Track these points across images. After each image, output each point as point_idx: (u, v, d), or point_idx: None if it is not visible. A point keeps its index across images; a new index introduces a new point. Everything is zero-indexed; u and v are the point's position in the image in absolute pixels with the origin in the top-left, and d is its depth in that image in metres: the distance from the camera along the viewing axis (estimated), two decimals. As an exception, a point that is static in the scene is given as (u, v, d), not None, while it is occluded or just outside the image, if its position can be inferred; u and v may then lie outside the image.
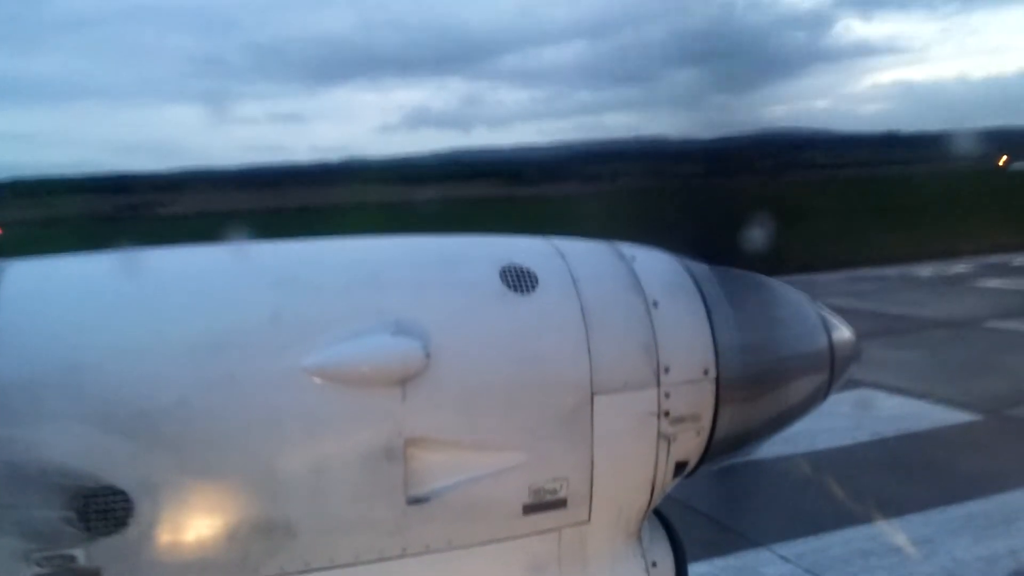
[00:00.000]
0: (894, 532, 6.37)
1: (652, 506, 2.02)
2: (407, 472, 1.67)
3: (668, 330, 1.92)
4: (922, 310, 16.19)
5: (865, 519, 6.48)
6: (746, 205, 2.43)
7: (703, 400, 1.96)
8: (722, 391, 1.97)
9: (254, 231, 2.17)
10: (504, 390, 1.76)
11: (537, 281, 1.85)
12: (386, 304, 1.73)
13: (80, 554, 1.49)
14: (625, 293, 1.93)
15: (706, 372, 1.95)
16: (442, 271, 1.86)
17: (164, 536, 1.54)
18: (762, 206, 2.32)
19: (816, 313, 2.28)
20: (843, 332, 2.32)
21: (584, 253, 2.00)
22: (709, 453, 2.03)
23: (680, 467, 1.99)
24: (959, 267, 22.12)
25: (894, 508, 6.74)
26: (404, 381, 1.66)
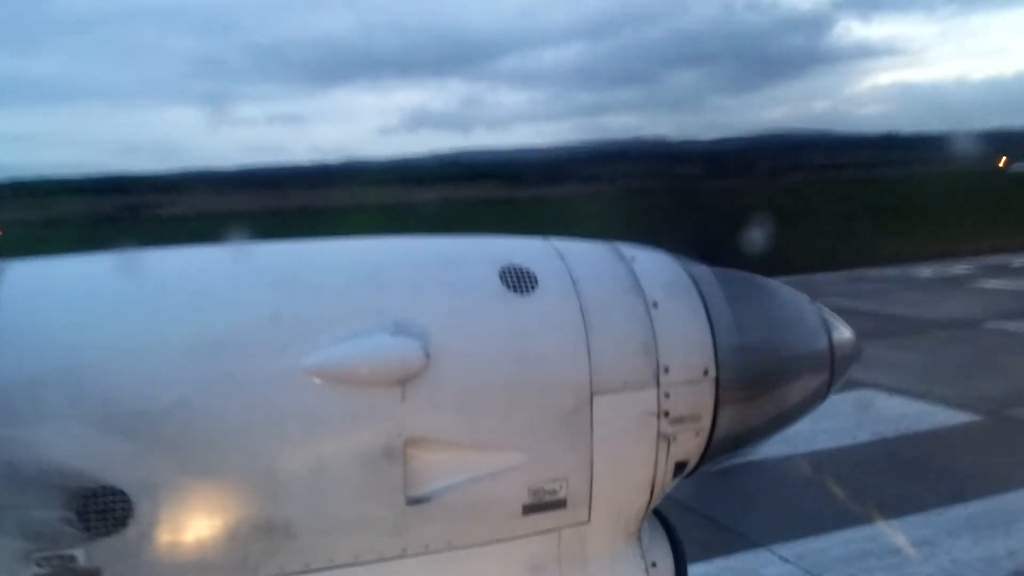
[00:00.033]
0: (894, 533, 6.37)
1: (652, 506, 2.02)
2: (407, 472, 1.67)
3: (668, 330, 1.92)
4: (922, 311, 16.20)
5: (865, 520, 6.48)
6: (746, 206, 2.43)
7: (703, 400, 1.96)
8: (722, 391, 1.97)
9: (254, 232, 2.17)
10: (504, 390, 1.76)
11: (537, 282, 1.85)
12: (386, 304, 1.73)
13: (80, 554, 1.49)
14: (625, 294, 1.93)
15: (706, 372, 1.95)
16: (442, 272, 1.86)
17: (164, 536, 1.54)
18: (762, 207, 2.33)
19: (816, 313, 2.28)
20: (843, 332, 2.32)
21: (583, 254, 2.00)
22: (709, 453, 2.03)
23: (680, 467, 1.99)
24: (959, 268, 22.13)
25: (894, 509, 6.74)
26: (404, 381, 1.66)
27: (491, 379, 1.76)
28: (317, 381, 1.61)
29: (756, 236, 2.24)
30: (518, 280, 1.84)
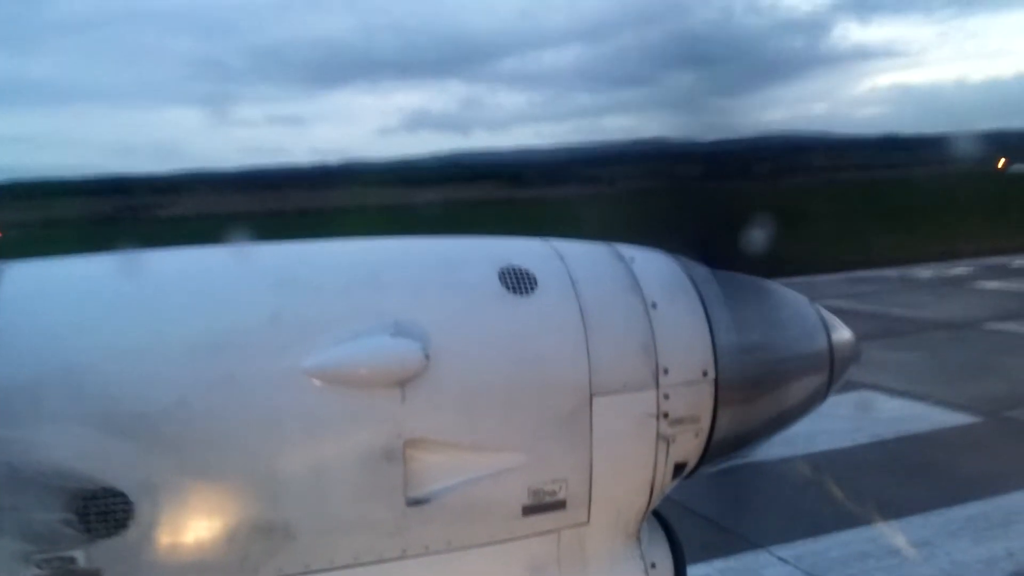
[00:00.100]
0: (893, 534, 6.36)
1: (651, 507, 2.02)
2: (406, 473, 1.67)
3: (667, 331, 1.92)
4: (922, 312, 16.19)
5: (864, 521, 6.48)
6: (745, 207, 2.43)
7: (702, 401, 1.96)
8: (721, 392, 1.97)
9: (254, 233, 2.18)
10: (503, 391, 1.77)
11: (536, 283, 1.85)
12: (385, 305, 1.73)
13: (80, 556, 1.49)
14: (624, 295, 1.93)
15: (705, 373, 1.96)
16: (441, 273, 1.86)
17: (164, 538, 1.54)
18: (761, 208, 2.33)
19: (815, 314, 2.28)
20: (842, 333, 2.32)
21: (583, 255, 2.00)
22: (708, 454, 2.03)
23: (679, 468, 1.99)
24: (958, 269, 22.13)
25: (893, 510, 6.73)
26: (403, 382, 1.66)
27: (491, 380, 1.76)
28: (317, 382, 1.61)
29: (755, 237, 2.24)
30: (517, 281, 1.84)
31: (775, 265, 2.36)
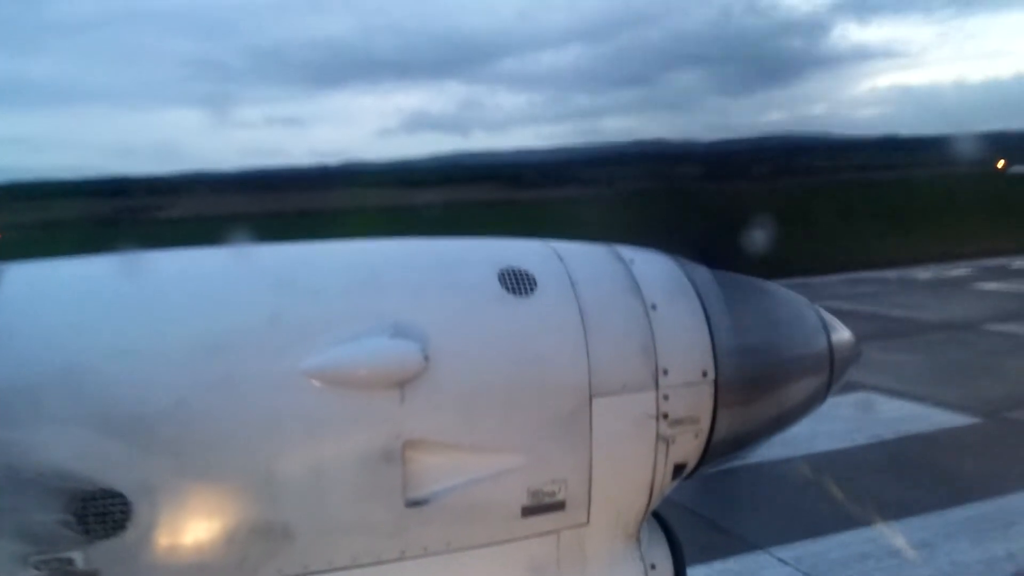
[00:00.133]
0: (893, 535, 6.36)
1: (651, 508, 2.02)
2: (405, 474, 1.67)
3: (666, 332, 1.92)
4: (921, 313, 16.20)
5: (864, 522, 6.48)
6: (745, 208, 2.43)
7: (702, 402, 1.96)
8: (721, 393, 1.97)
9: (253, 234, 2.17)
10: (503, 392, 1.76)
11: (535, 284, 1.85)
12: (385, 307, 1.73)
13: (78, 557, 1.49)
14: (623, 296, 1.93)
15: (705, 374, 1.95)
16: (440, 274, 1.86)
17: (162, 539, 1.54)
18: (761, 209, 2.33)
19: (815, 315, 2.28)
20: (842, 334, 2.32)
21: (582, 256, 2.00)
22: (708, 455, 2.03)
23: (679, 469, 1.99)
24: (958, 270, 22.13)
25: (893, 511, 6.73)
26: (403, 383, 1.66)
27: (490, 381, 1.76)
28: (316, 383, 1.61)
29: (754, 238, 2.24)
30: (517, 282, 1.84)
31: (774, 266, 2.36)
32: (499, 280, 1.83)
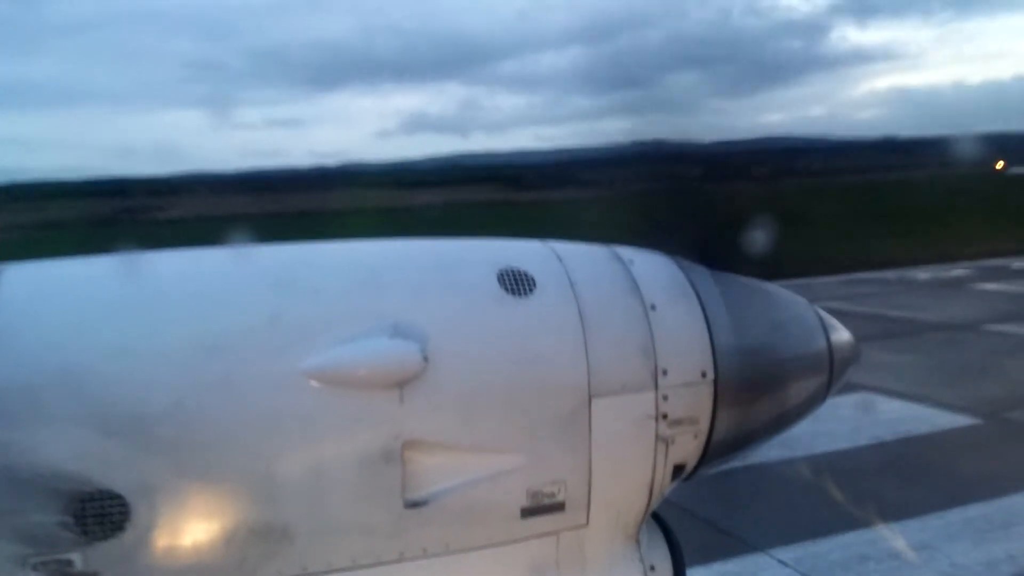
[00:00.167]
0: (893, 536, 6.36)
1: (650, 509, 2.02)
2: (405, 475, 1.67)
3: (666, 333, 1.92)
4: (920, 313, 16.20)
5: (864, 523, 6.47)
6: (744, 209, 2.43)
7: (701, 403, 1.95)
8: (720, 394, 1.97)
9: (252, 235, 2.17)
10: (502, 393, 1.76)
11: (535, 284, 1.85)
12: (384, 307, 1.73)
13: (77, 558, 1.48)
14: (623, 296, 1.93)
15: (704, 375, 1.95)
16: (440, 274, 1.86)
17: (161, 540, 1.54)
18: (760, 210, 2.33)
19: (814, 316, 2.28)
20: (841, 334, 2.32)
21: (582, 256, 2.00)
22: (707, 456, 2.03)
23: (678, 470, 1.99)
24: (957, 271, 22.14)
25: (893, 512, 6.73)
26: (402, 384, 1.66)
27: (489, 382, 1.76)
28: (315, 384, 1.61)
29: (754, 239, 2.24)
30: (516, 283, 1.84)
31: (774, 267, 2.36)
32: (498, 280, 1.83)
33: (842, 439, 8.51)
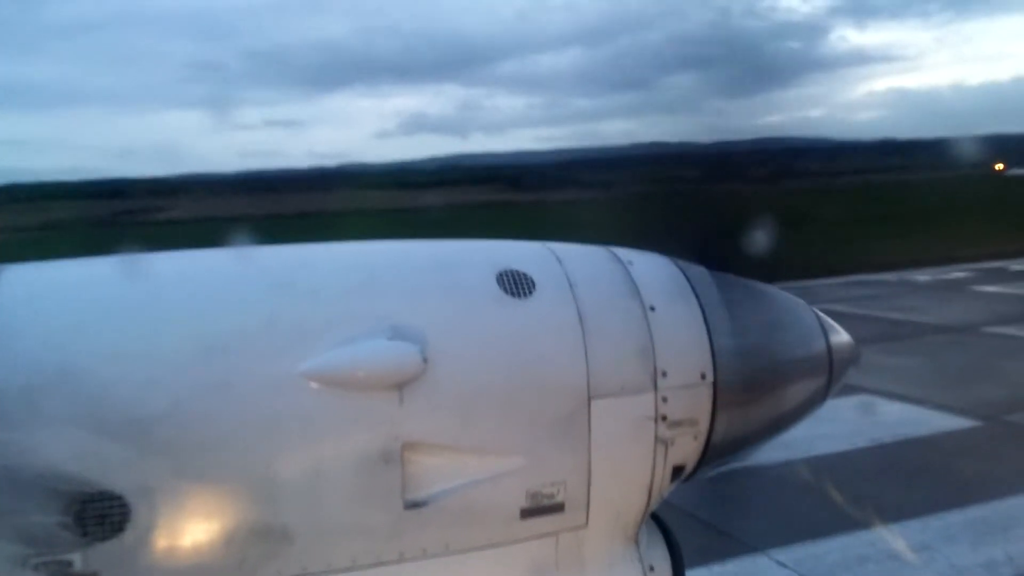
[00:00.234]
0: (892, 538, 6.36)
1: (649, 510, 2.02)
2: (404, 476, 1.67)
3: (665, 334, 1.92)
4: (920, 316, 16.20)
5: (863, 525, 6.47)
6: (743, 211, 2.43)
7: (700, 404, 1.95)
8: (719, 395, 1.97)
9: (251, 236, 2.17)
10: (501, 394, 1.76)
11: (534, 285, 1.85)
12: (383, 308, 1.73)
13: (77, 559, 1.48)
14: (622, 297, 1.93)
15: (703, 376, 1.95)
16: (439, 276, 1.86)
17: (161, 541, 1.54)
18: (759, 212, 2.33)
19: (813, 317, 2.28)
20: (840, 336, 2.32)
21: (581, 257, 2.00)
22: (707, 457, 2.03)
23: (677, 471, 1.98)
24: (956, 273, 22.14)
25: (892, 514, 6.73)
26: (401, 385, 1.65)
27: (489, 383, 1.76)
28: (314, 385, 1.61)
29: (753, 241, 2.24)
30: (515, 284, 1.84)
31: (773, 269, 2.36)
32: (497, 282, 1.83)
33: (841, 441, 8.50)
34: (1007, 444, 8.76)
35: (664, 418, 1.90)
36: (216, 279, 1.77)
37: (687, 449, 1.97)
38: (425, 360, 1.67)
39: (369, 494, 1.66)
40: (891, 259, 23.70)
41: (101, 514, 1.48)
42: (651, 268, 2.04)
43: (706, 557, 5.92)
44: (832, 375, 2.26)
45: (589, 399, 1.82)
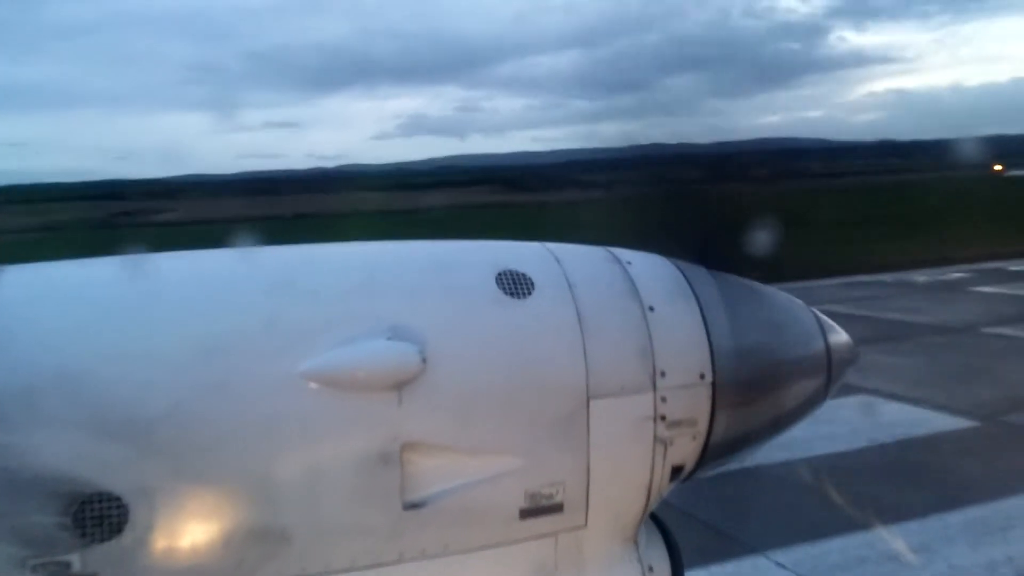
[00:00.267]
0: (891, 538, 6.36)
1: (648, 511, 2.02)
2: (403, 477, 1.67)
3: (664, 334, 1.92)
4: (918, 316, 16.22)
5: (862, 526, 6.48)
6: (742, 212, 2.43)
7: (699, 404, 1.95)
8: (718, 395, 1.97)
9: (250, 237, 2.17)
10: (500, 395, 1.76)
11: (533, 286, 1.85)
12: (382, 309, 1.73)
13: (75, 560, 1.48)
14: (621, 297, 1.93)
15: (702, 376, 1.95)
16: (438, 276, 1.86)
17: (160, 542, 1.54)
18: (758, 213, 2.33)
19: (812, 318, 2.28)
20: (839, 336, 2.32)
21: (580, 258, 2.00)
22: (706, 457, 2.03)
23: (677, 471, 1.98)
24: (954, 273, 22.17)
25: (891, 514, 6.73)
26: (400, 386, 1.65)
27: (488, 383, 1.76)
28: (313, 386, 1.61)
29: (752, 241, 2.24)
30: (514, 284, 1.84)
31: (772, 269, 2.36)
32: (496, 282, 1.83)
33: (841, 441, 8.51)
34: (1006, 444, 8.78)
35: (663, 418, 1.90)
36: (215, 280, 1.77)
37: (686, 449, 1.97)
38: (424, 360, 1.67)
39: (368, 495, 1.65)
40: (890, 260, 23.73)
41: (100, 515, 1.48)
42: (650, 268, 2.04)
43: (705, 558, 5.93)
44: (831, 375, 2.27)
45: (588, 399, 1.82)
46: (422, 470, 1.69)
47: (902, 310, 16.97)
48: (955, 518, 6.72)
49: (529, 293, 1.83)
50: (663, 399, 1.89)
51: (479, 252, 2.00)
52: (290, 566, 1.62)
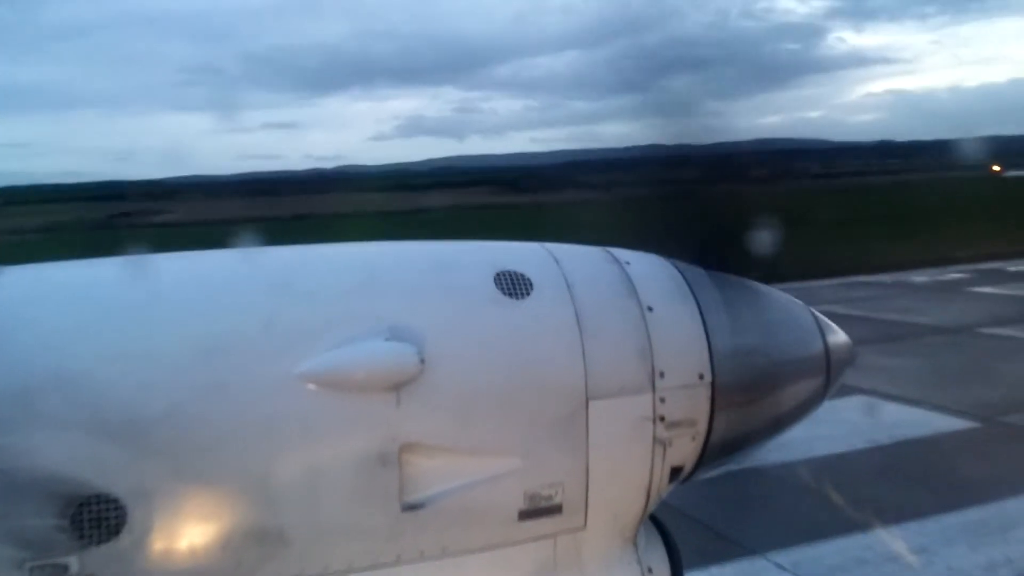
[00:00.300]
0: (891, 540, 6.35)
1: (648, 512, 2.01)
2: (402, 478, 1.66)
3: (663, 335, 1.91)
4: (917, 317, 16.22)
5: (861, 527, 6.47)
6: (741, 212, 2.43)
7: (698, 405, 1.95)
8: (717, 396, 1.97)
9: (249, 238, 2.17)
10: (499, 395, 1.76)
11: (532, 286, 1.85)
12: (381, 310, 1.72)
13: (73, 562, 1.48)
14: (620, 298, 1.93)
15: (701, 377, 1.95)
16: (437, 276, 1.86)
17: (157, 544, 1.53)
18: (757, 213, 2.33)
19: (811, 318, 2.28)
20: (838, 336, 2.32)
21: (578, 258, 2.00)
22: (705, 458, 2.03)
23: (676, 472, 1.98)
24: (953, 274, 22.18)
25: (891, 515, 6.73)
26: (399, 387, 1.65)
27: (486, 384, 1.75)
28: (312, 387, 1.60)
29: (751, 242, 2.24)
30: (513, 285, 1.83)
31: (771, 269, 2.36)
32: (495, 283, 1.83)
33: (840, 442, 8.50)
34: (1005, 445, 8.77)
35: (662, 419, 1.90)
36: (213, 280, 1.77)
37: (685, 450, 1.96)
38: (423, 361, 1.66)
39: (366, 496, 1.65)
40: (889, 260, 23.73)
41: (98, 517, 1.48)
42: (648, 268, 2.04)
43: (704, 559, 5.92)
44: (830, 375, 2.27)
45: (587, 400, 1.81)
46: (421, 471, 1.69)
47: (901, 310, 16.97)
48: (954, 519, 6.71)
49: (528, 293, 1.83)
50: (662, 400, 1.89)
51: (478, 253, 2.00)
52: (288, 567, 1.62)
